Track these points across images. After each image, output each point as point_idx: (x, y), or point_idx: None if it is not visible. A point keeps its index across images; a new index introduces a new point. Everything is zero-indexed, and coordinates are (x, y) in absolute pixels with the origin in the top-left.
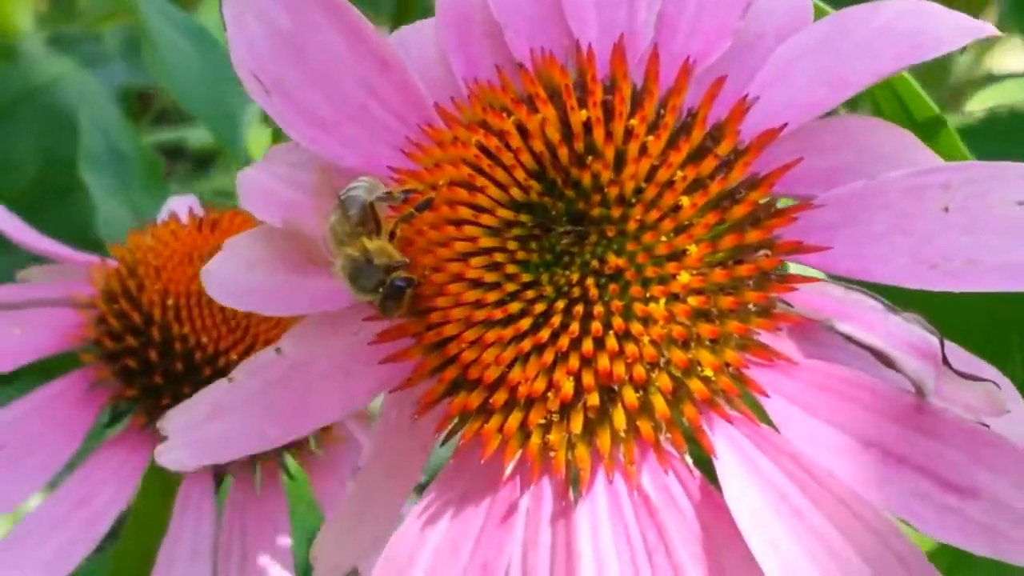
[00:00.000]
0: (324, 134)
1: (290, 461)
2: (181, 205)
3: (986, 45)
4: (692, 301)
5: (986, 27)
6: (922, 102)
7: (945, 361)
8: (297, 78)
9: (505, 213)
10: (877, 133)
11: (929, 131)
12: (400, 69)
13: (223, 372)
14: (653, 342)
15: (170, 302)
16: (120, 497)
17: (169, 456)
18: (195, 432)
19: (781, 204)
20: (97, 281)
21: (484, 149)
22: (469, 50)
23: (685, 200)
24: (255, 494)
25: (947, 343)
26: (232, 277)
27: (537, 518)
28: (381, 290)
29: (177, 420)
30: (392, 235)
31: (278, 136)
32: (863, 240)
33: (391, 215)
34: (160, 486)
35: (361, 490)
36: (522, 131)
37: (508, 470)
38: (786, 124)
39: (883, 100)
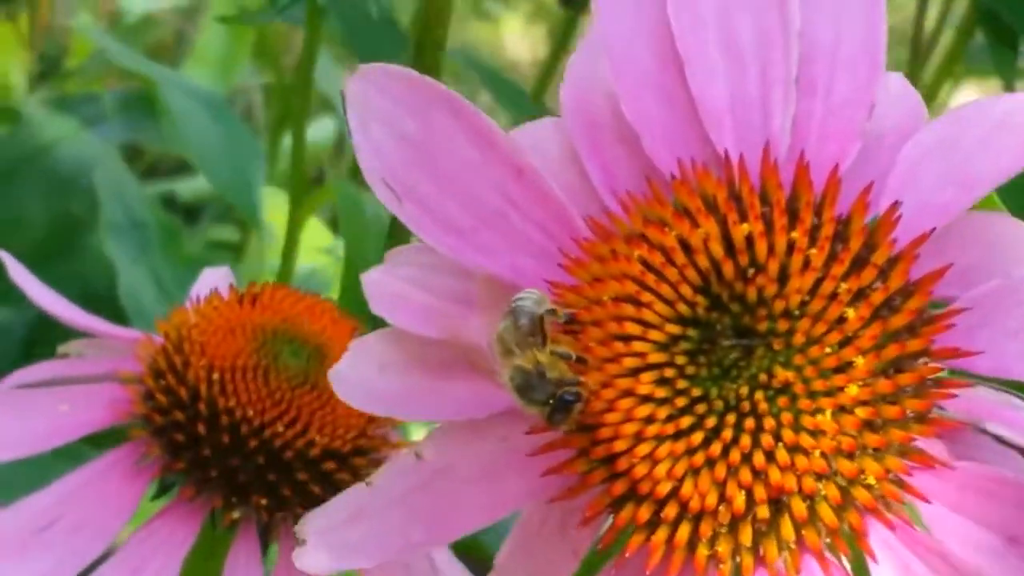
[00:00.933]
0: (462, 242)
1: None
2: (215, 278)
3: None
4: (860, 412)
5: None
6: None
7: None
8: (429, 185)
9: (673, 328)
10: (1001, 228)
11: None
12: (535, 175)
13: (269, 443)
14: (823, 454)
15: (215, 376)
16: (171, 567)
17: (308, 559)
18: (334, 535)
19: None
20: (143, 357)
21: (647, 264)
22: (603, 157)
23: (851, 312)
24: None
25: None
26: (363, 380)
27: None
28: (551, 402)
29: (316, 523)
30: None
31: (295, 201)
32: (1000, 338)
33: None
34: (208, 553)
35: None
36: (684, 246)
37: None
38: (934, 228)
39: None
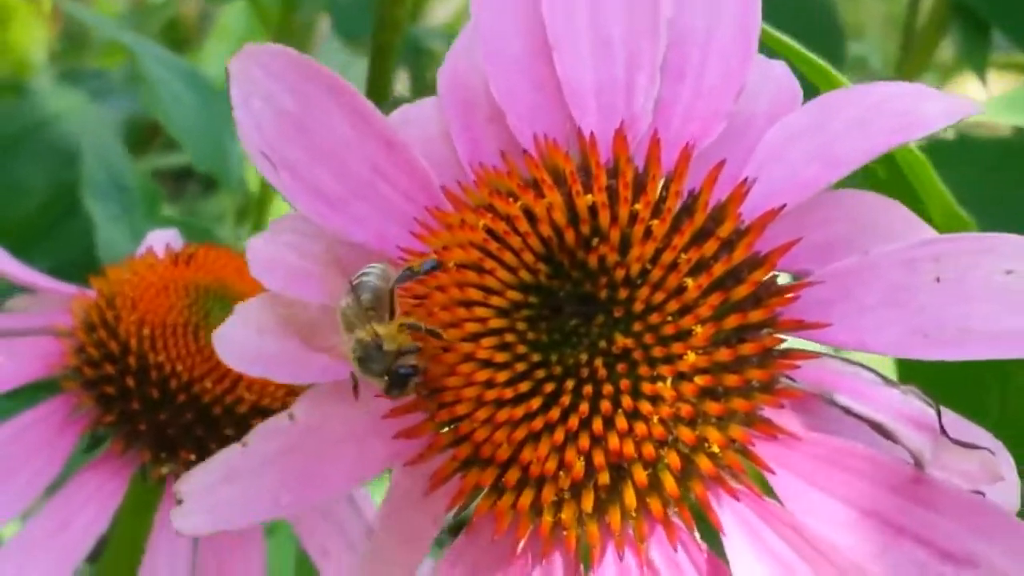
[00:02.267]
0: (332, 211)
1: None
2: (162, 238)
3: (946, 75)
4: (699, 380)
5: (971, 105)
6: (914, 156)
7: (943, 431)
8: (304, 157)
9: (514, 295)
10: (867, 205)
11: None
12: (405, 150)
13: (197, 399)
14: (662, 420)
15: (146, 332)
16: (100, 520)
17: (185, 521)
18: (210, 497)
19: (780, 281)
20: (77, 312)
21: (492, 233)
22: (473, 134)
23: (690, 282)
24: None
25: (944, 411)
26: (242, 341)
27: None
28: (387, 376)
29: (192, 483)
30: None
31: None
32: (857, 313)
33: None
34: (138, 509)
35: (373, 557)
36: (529, 215)
37: (520, 547)
38: (785, 204)
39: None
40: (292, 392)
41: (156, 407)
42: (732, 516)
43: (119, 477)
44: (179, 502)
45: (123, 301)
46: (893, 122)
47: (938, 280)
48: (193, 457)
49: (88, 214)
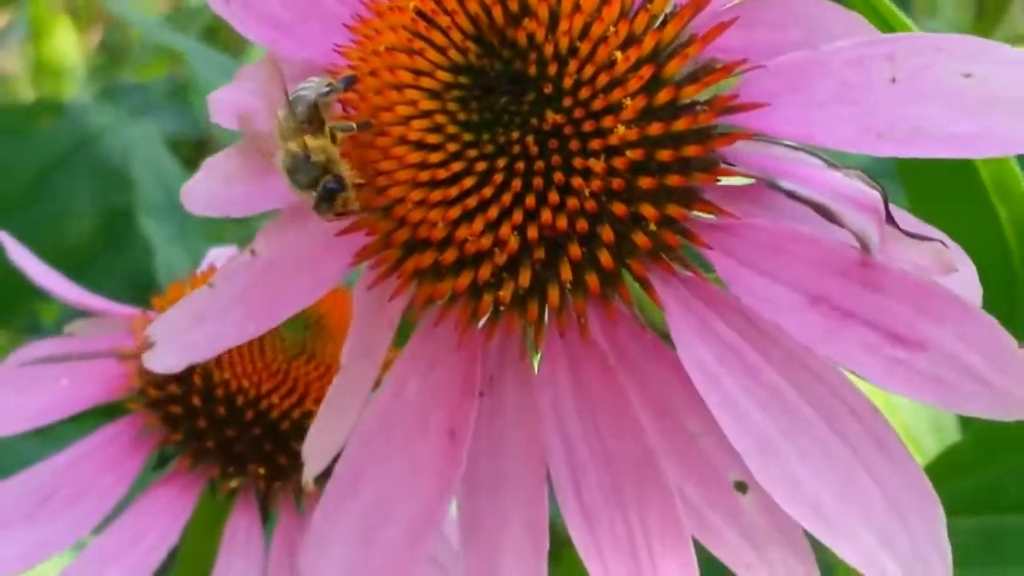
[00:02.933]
0: (281, 35)
1: None
2: (222, 256)
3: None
4: (630, 153)
5: None
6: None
7: (891, 220)
8: None
9: (444, 75)
10: (825, 12)
11: None
12: None
13: (265, 414)
14: (594, 194)
15: None
16: (171, 533)
17: (156, 361)
18: (180, 338)
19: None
20: (139, 333)
21: (421, 13)
22: None
23: (619, 55)
24: (303, 527)
25: (893, 206)
26: (211, 191)
27: (502, 384)
28: (316, 189)
29: (163, 327)
30: (334, 138)
31: None
32: (807, 106)
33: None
34: (209, 522)
35: (342, 379)
36: None
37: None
38: None
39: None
40: None
41: (223, 424)
42: (677, 301)
43: (188, 493)
44: (150, 345)
45: None
46: None
47: (893, 80)
48: (263, 471)
49: (143, 235)
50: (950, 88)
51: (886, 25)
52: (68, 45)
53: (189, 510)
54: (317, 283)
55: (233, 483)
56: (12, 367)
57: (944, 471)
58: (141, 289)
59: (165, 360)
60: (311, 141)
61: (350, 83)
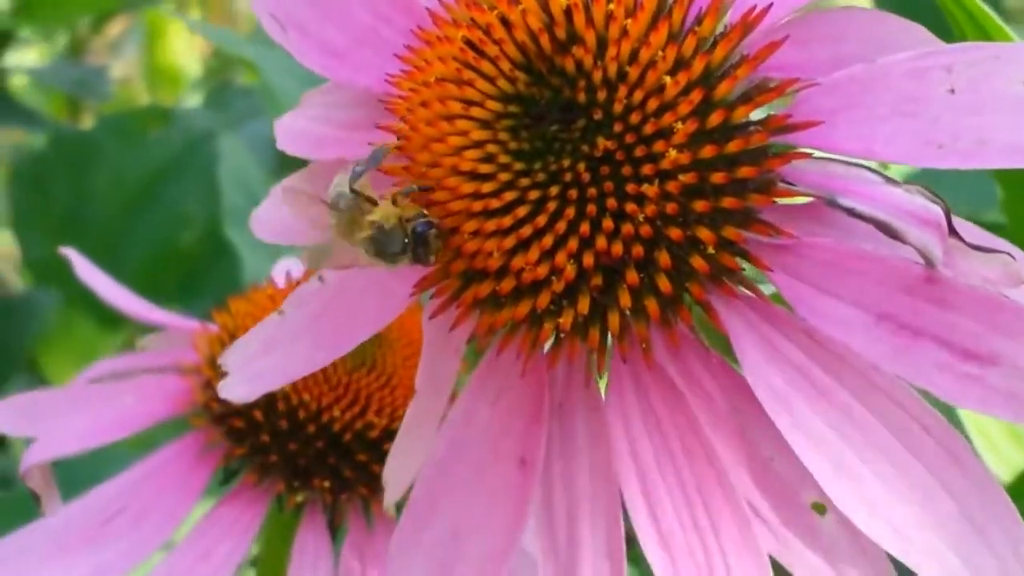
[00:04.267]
0: (338, 62)
1: None
2: (288, 267)
3: None
4: (683, 177)
5: None
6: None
7: (955, 233)
8: (309, 12)
9: (495, 105)
10: (882, 23)
11: None
12: None
13: (327, 427)
14: (648, 219)
15: None
16: (239, 549)
17: (231, 391)
18: (251, 367)
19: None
20: (201, 347)
21: (469, 43)
22: None
23: (668, 79)
24: (371, 539)
25: (957, 219)
26: (275, 218)
27: (571, 410)
28: (408, 245)
29: (235, 357)
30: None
31: None
32: (866, 122)
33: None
34: (277, 536)
35: (415, 409)
36: (505, 23)
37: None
38: (771, 5)
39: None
40: None
41: (286, 438)
42: (742, 323)
43: (255, 508)
44: (223, 375)
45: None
46: None
47: (952, 91)
48: (327, 484)
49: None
50: (1011, 96)
51: (983, 32)
52: (182, 50)
53: (256, 526)
54: (383, 310)
55: (299, 497)
56: (82, 384)
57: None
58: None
59: (236, 390)
60: (373, 216)
61: (378, 160)
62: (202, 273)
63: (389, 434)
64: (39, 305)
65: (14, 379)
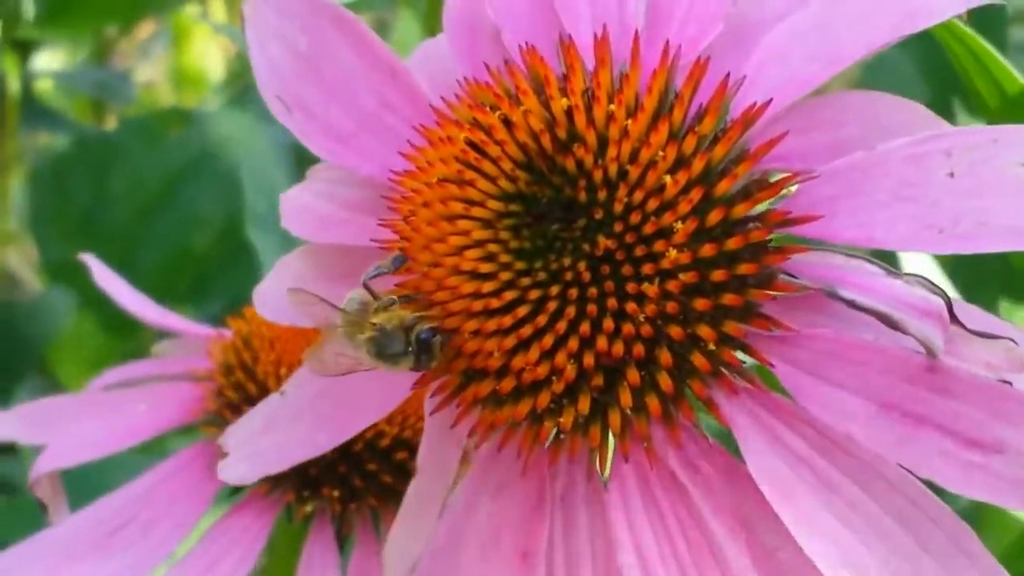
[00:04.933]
0: (342, 146)
1: None
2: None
3: None
4: (684, 276)
5: None
6: (1009, 75)
7: (956, 321)
8: (316, 95)
9: (496, 205)
10: (880, 105)
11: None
12: (407, 77)
13: None
14: (649, 319)
15: (283, 372)
16: (248, 559)
17: (230, 471)
18: (252, 446)
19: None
20: (215, 355)
21: (471, 143)
22: (475, 55)
23: (668, 179)
24: (380, 549)
25: (960, 304)
26: (276, 295)
27: (572, 503)
28: (411, 350)
29: (236, 436)
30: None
31: None
32: (866, 209)
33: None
34: (285, 547)
35: (417, 490)
36: (507, 124)
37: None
38: (771, 100)
39: (976, 77)
40: None
41: None
42: (744, 416)
43: (264, 518)
44: (224, 455)
45: (260, 341)
46: (897, 13)
47: (952, 175)
48: (337, 494)
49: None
50: (1011, 179)
51: (984, 68)
52: (206, 53)
53: (264, 536)
54: (385, 399)
55: (308, 507)
56: (94, 391)
57: None
58: None
59: (236, 470)
60: (375, 319)
61: (397, 266)
62: (218, 275)
63: (399, 443)
64: (54, 307)
65: (28, 381)
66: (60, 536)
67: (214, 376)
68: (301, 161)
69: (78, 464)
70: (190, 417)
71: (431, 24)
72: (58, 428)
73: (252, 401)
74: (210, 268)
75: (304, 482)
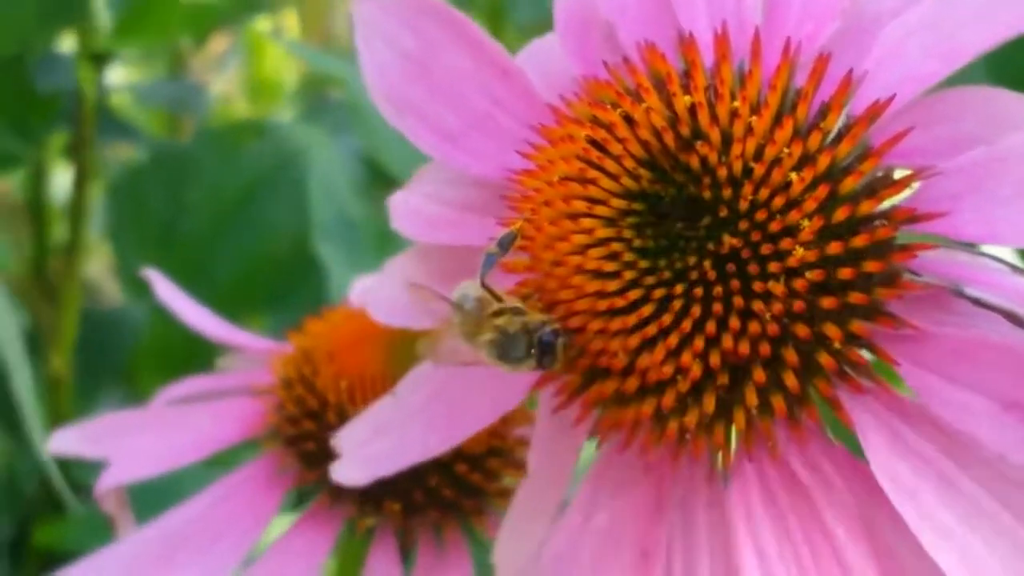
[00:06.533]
0: (454, 147)
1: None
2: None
3: None
4: (810, 275)
5: None
6: None
7: None
8: (425, 96)
9: (618, 203)
10: (999, 100)
11: None
12: (520, 76)
13: None
14: (775, 318)
15: (344, 385)
16: (311, 573)
17: (343, 474)
18: (364, 449)
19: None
20: (276, 368)
21: (593, 142)
22: (588, 54)
23: (794, 176)
24: (442, 563)
25: None
26: (390, 297)
27: (692, 504)
28: (533, 352)
29: (348, 439)
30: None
31: None
32: (989, 205)
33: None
34: (348, 560)
35: (527, 494)
36: (629, 121)
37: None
38: (894, 96)
39: None
40: (497, 435)
41: None
42: (867, 414)
43: (326, 532)
44: (335, 456)
45: (320, 355)
46: (1014, 12)
47: None
48: (398, 507)
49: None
50: None
51: None
52: (280, 64)
53: (327, 550)
54: (499, 401)
55: (370, 521)
56: (159, 406)
57: None
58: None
59: (349, 473)
60: (498, 321)
61: (506, 247)
62: (291, 287)
63: (459, 456)
64: (134, 317)
65: (109, 391)
66: (125, 551)
67: (275, 390)
68: (371, 172)
69: (142, 479)
70: (253, 431)
71: (494, 24)
72: (122, 442)
73: (312, 415)
74: (287, 277)
75: (365, 496)
